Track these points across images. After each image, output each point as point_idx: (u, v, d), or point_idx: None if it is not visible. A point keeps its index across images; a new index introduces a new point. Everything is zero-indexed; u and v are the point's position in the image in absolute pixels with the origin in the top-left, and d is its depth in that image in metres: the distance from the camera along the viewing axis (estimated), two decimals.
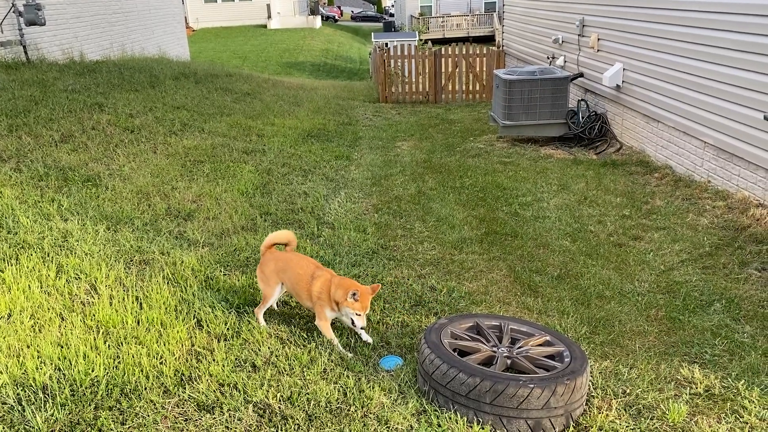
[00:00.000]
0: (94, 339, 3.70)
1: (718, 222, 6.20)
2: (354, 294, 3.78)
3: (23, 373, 3.32)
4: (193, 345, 3.78)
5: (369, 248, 5.63)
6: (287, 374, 3.55)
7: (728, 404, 3.44)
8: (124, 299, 4.18)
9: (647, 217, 6.54)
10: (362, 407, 3.28)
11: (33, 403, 3.11)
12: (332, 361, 3.70)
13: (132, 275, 4.56)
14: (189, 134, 8.70)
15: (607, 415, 3.30)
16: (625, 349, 4.13)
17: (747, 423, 3.28)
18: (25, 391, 3.19)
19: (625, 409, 3.37)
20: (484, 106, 14.08)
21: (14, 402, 3.12)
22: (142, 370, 3.44)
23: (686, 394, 3.54)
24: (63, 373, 3.35)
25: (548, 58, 12.54)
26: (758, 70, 6.29)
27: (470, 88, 15.13)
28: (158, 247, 5.14)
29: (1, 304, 3.93)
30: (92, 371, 3.38)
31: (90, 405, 3.15)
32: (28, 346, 3.56)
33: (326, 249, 5.51)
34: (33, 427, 2.97)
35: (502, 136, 10.35)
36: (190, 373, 3.50)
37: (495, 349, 3.57)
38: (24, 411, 3.06)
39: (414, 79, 15.26)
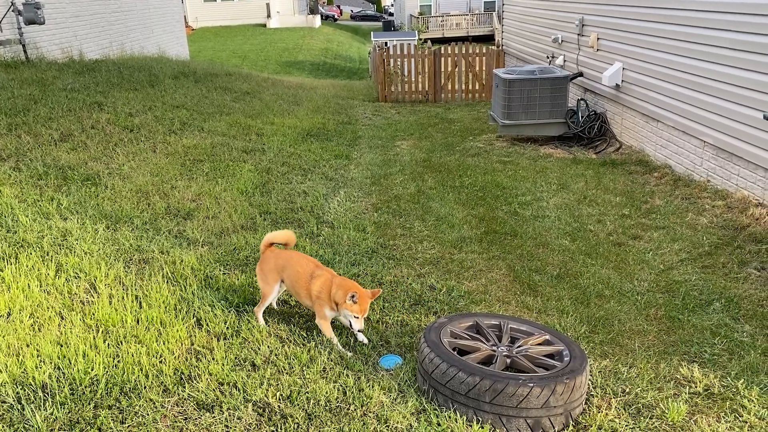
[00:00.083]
0: (94, 338, 3.70)
1: (718, 221, 6.20)
2: (353, 296, 3.76)
3: (23, 372, 3.32)
4: (192, 344, 3.78)
5: (368, 247, 5.63)
6: (287, 373, 3.55)
7: (727, 403, 3.45)
8: (123, 298, 4.18)
9: (647, 216, 6.55)
10: (362, 406, 3.28)
11: (32, 402, 3.11)
12: (332, 360, 3.70)
13: (131, 274, 4.56)
14: (188, 133, 8.70)
15: (606, 414, 3.30)
16: (625, 348, 4.13)
17: (746, 422, 3.29)
18: (25, 390, 3.19)
19: (624, 408, 3.38)
20: (483, 105, 14.08)
21: (14, 401, 3.12)
22: (141, 369, 3.44)
23: (686, 393, 3.54)
24: (62, 372, 3.35)
25: (548, 57, 12.54)
26: (758, 69, 6.29)
27: (470, 87, 15.14)
28: (158, 246, 5.14)
29: (0, 302, 3.93)
30: (92, 370, 3.38)
31: (89, 404, 3.15)
32: (28, 345, 3.56)
33: (326, 248, 5.51)
34: (32, 426, 2.97)
35: (502, 136, 10.35)
36: (190, 372, 3.50)
37: (494, 348, 3.57)
38: (23, 410, 3.06)
39: (413, 79, 15.27)
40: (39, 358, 3.45)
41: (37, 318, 3.87)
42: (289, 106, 12.35)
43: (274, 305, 4.38)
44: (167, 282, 4.50)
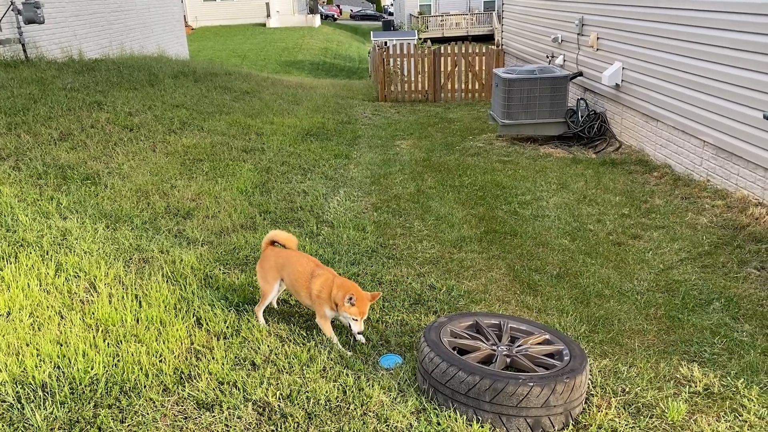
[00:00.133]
0: (94, 337, 3.70)
1: (717, 221, 6.21)
2: (350, 298, 3.74)
3: (22, 371, 3.32)
4: (192, 343, 3.78)
5: (368, 247, 5.63)
6: (287, 372, 3.55)
7: (727, 403, 3.45)
8: (123, 297, 4.18)
9: (646, 215, 6.55)
10: (362, 405, 3.29)
11: (32, 401, 3.11)
12: (332, 360, 3.70)
13: (131, 273, 4.55)
14: (188, 133, 8.69)
15: (606, 413, 3.30)
16: (625, 348, 4.13)
17: (746, 421, 3.29)
18: (25, 389, 3.19)
19: (624, 408, 3.38)
20: (483, 105, 14.08)
21: (14, 400, 3.12)
22: (141, 369, 3.44)
23: (685, 392, 3.54)
24: (62, 371, 3.35)
25: (547, 57, 12.54)
26: (758, 69, 6.29)
27: (469, 87, 15.13)
28: (157, 245, 5.14)
29: (0, 302, 3.92)
30: (91, 369, 3.38)
31: (89, 403, 3.15)
32: (28, 344, 3.56)
33: (325, 247, 5.51)
34: (32, 425, 2.97)
35: (502, 135, 10.35)
36: (190, 372, 3.50)
37: (494, 347, 3.57)
38: (23, 409, 3.06)
39: (413, 78, 15.26)
40: (39, 357, 3.45)
41: (37, 317, 3.86)
42: (288, 105, 12.35)
43: (275, 304, 4.38)
44: (167, 281, 4.50)
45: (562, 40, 11.79)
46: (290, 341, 3.91)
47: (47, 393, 3.19)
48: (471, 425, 3.14)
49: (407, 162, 8.94)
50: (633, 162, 8.53)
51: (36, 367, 3.35)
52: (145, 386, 3.32)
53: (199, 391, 3.32)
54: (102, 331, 3.79)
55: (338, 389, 3.41)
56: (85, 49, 13.45)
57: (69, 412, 3.08)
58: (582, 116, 10.07)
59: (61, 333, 3.72)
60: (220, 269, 4.85)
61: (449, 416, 3.19)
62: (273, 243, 4.32)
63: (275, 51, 38.24)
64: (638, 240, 5.95)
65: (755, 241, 5.66)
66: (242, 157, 8.00)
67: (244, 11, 49.46)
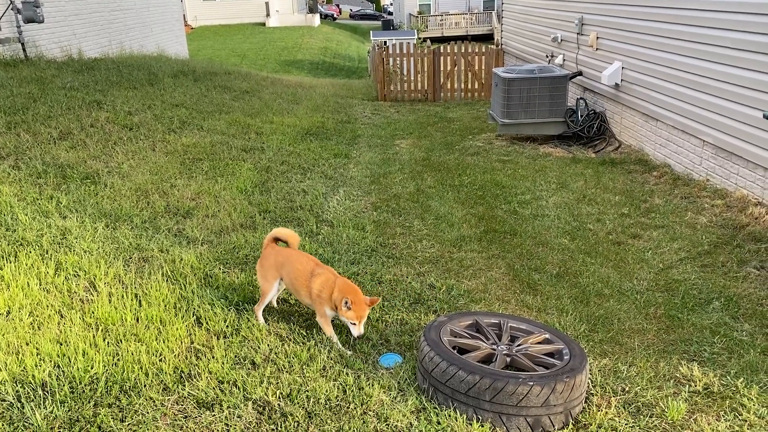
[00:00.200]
0: (93, 336, 3.70)
1: (717, 220, 6.21)
2: (347, 302, 3.73)
3: (22, 370, 3.32)
4: (192, 342, 3.78)
5: (368, 246, 5.63)
6: (287, 371, 3.55)
7: (727, 402, 3.45)
8: (123, 296, 4.18)
9: (646, 215, 6.55)
10: (362, 404, 3.29)
11: (32, 400, 3.11)
12: (332, 359, 3.70)
13: (131, 272, 4.55)
14: (188, 132, 8.69)
15: (606, 412, 3.30)
16: (624, 347, 4.13)
17: (746, 421, 3.29)
18: (25, 388, 3.19)
19: (624, 407, 3.38)
20: (482, 104, 14.08)
21: (13, 399, 3.12)
22: (141, 368, 3.44)
23: (685, 391, 3.54)
24: (62, 370, 3.35)
25: (547, 56, 12.54)
26: (757, 68, 6.29)
27: (469, 86, 15.13)
28: (157, 244, 5.14)
29: (0, 301, 3.93)
30: (91, 368, 3.38)
31: (89, 402, 3.15)
32: (27, 343, 3.56)
33: (325, 247, 5.51)
34: (32, 424, 2.97)
35: (501, 135, 10.35)
36: (190, 371, 3.50)
37: (494, 346, 3.57)
38: (23, 408, 3.06)
39: (413, 78, 15.25)
40: (39, 356, 3.45)
41: (37, 316, 3.86)
42: (288, 105, 12.35)
43: (274, 303, 4.38)
44: (167, 280, 4.50)
45: (561, 40, 11.79)
46: (290, 340, 3.91)
47: (47, 392, 3.19)
48: (471, 424, 3.14)
49: (407, 161, 8.94)
50: (632, 161, 8.53)
51: (36, 366, 3.35)
52: (145, 385, 3.32)
53: (199, 390, 3.32)
54: (102, 330, 3.79)
55: (338, 388, 3.41)
56: (84, 49, 13.44)
57: (69, 411, 3.08)
58: (581, 116, 10.08)
59: (60, 332, 3.72)
60: (219, 268, 4.85)
61: (449, 415, 3.19)
62: (276, 240, 4.32)
63: (275, 50, 38.23)
64: (638, 239, 5.95)
65: (755, 241, 5.67)
66: (242, 157, 8.00)
67: (243, 10, 49.45)
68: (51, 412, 3.04)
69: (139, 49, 16.19)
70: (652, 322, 4.45)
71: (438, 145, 10.07)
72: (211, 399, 3.27)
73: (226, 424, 3.10)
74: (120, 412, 3.13)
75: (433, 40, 38.34)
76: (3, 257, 4.46)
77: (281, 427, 3.10)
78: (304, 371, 3.55)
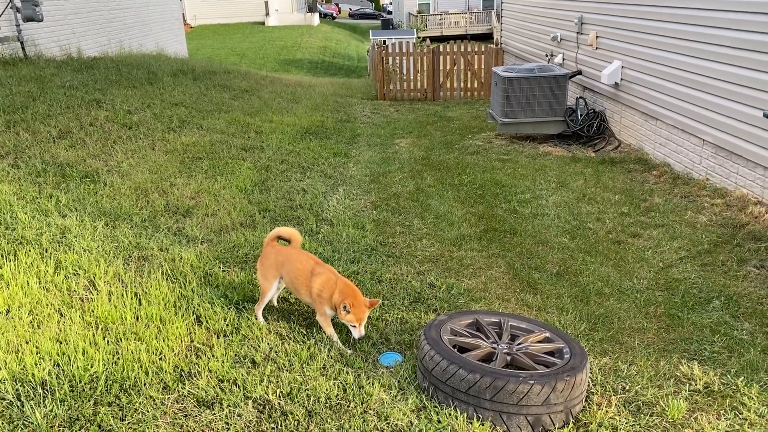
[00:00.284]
0: (93, 335, 3.69)
1: (717, 219, 6.21)
2: (345, 306, 3.73)
3: (22, 369, 3.31)
4: (192, 341, 3.78)
5: (368, 245, 5.62)
6: (287, 370, 3.54)
7: (727, 401, 3.45)
8: (123, 295, 4.17)
9: (646, 214, 6.55)
10: (362, 403, 3.28)
11: (32, 399, 3.11)
12: (332, 358, 3.70)
13: (131, 271, 4.55)
14: (187, 131, 8.68)
15: (606, 411, 3.30)
16: (625, 346, 4.13)
17: (746, 419, 3.29)
18: (24, 387, 3.19)
19: (624, 406, 3.38)
20: (482, 103, 14.07)
21: (13, 397, 3.11)
22: (141, 366, 3.44)
23: (686, 390, 3.54)
24: (62, 369, 3.34)
25: (547, 55, 12.54)
26: (757, 67, 6.29)
27: (468, 85, 15.13)
28: (157, 243, 5.13)
29: None
30: (91, 367, 3.37)
31: (89, 401, 3.15)
32: (27, 342, 3.55)
33: (325, 246, 5.50)
34: (32, 423, 2.96)
35: (501, 134, 10.35)
36: (190, 369, 3.49)
37: (495, 345, 3.57)
38: (23, 406, 3.05)
39: (412, 77, 15.24)
40: (38, 355, 3.44)
41: (36, 315, 3.86)
42: (287, 104, 12.34)
43: (275, 302, 4.38)
44: (167, 279, 4.50)
45: (561, 39, 11.79)
46: (290, 339, 3.91)
47: (47, 391, 3.19)
48: (471, 423, 3.13)
49: (406, 160, 8.94)
50: (632, 161, 8.53)
51: (35, 364, 3.35)
52: (145, 384, 3.32)
53: (199, 388, 3.32)
54: (102, 328, 3.78)
55: (338, 387, 3.40)
56: (83, 47, 13.42)
57: (69, 409, 3.07)
58: (581, 115, 10.08)
59: (60, 331, 3.71)
60: (219, 267, 4.85)
61: (450, 414, 3.18)
62: (278, 239, 4.31)
63: (274, 49, 38.21)
64: (638, 238, 5.95)
65: (754, 240, 5.67)
66: (241, 156, 7.99)
67: (242, 9, 49.43)
68: (51, 411, 3.04)
69: (138, 48, 16.18)
70: (653, 321, 4.45)
71: (437, 144, 10.07)
72: (211, 398, 3.26)
73: (227, 423, 3.10)
74: (120, 410, 3.12)
75: (433, 39, 38.30)
76: (3, 256, 4.46)
77: (281, 426, 3.10)
78: (305, 370, 3.55)
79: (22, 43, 11.46)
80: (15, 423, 2.97)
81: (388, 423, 3.14)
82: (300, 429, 3.09)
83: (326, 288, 3.88)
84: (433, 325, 3.63)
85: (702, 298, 4.75)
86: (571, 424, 3.20)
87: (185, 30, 24.85)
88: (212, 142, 8.34)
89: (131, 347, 3.59)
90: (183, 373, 3.45)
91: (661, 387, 3.57)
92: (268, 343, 3.81)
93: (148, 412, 3.12)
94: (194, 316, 4.04)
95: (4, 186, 5.70)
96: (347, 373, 3.53)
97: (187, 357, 3.61)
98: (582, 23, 10.65)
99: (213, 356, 3.62)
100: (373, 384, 3.43)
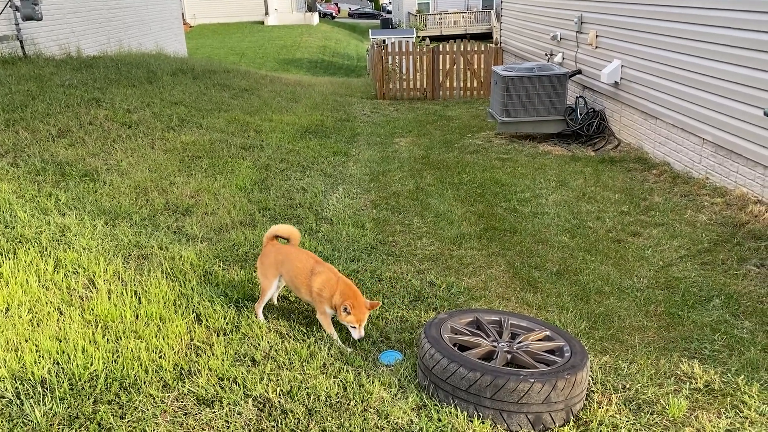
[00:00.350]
0: (93, 333, 3.68)
1: (717, 218, 6.21)
2: (346, 309, 3.73)
3: (21, 367, 3.30)
4: (192, 339, 3.77)
5: (367, 243, 5.62)
6: (287, 368, 3.54)
7: (728, 399, 3.45)
8: (122, 294, 4.16)
9: (646, 213, 6.54)
10: (362, 402, 3.28)
11: (31, 397, 3.10)
12: (332, 356, 3.69)
13: (130, 270, 4.54)
14: (187, 130, 8.67)
15: (607, 409, 3.30)
16: (625, 345, 4.13)
17: (747, 418, 3.29)
18: (24, 385, 3.18)
19: (625, 404, 3.37)
20: (481, 103, 14.07)
21: (13, 396, 3.11)
22: (141, 365, 3.43)
23: (686, 389, 3.54)
24: (61, 367, 3.34)
25: (546, 55, 12.53)
26: (758, 66, 6.29)
27: (468, 85, 15.12)
28: (157, 241, 5.12)
29: None
30: (91, 365, 3.37)
31: (89, 399, 3.14)
32: (27, 340, 3.54)
33: (325, 244, 5.50)
34: (31, 421, 2.96)
35: (500, 133, 10.34)
36: (190, 368, 3.49)
37: (495, 343, 3.56)
38: (22, 405, 3.05)
39: (411, 76, 15.23)
40: (38, 353, 3.44)
41: (36, 313, 3.85)
42: (287, 103, 12.33)
43: (275, 301, 4.37)
44: (166, 278, 4.49)
45: (561, 38, 11.78)
46: (290, 337, 3.90)
47: (46, 389, 3.18)
48: (472, 421, 3.13)
49: (406, 159, 8.93)
50: (632, 160, 8.53)
51: (35, 362, 3.34)
52: (144, 382, 3.31)
53: (199, 387, 3.31)
54: (101, 327, 3.78)
55: (338, 385, 3.40)
56: (83, 46, 13.41)
57: (68, 407, 3.07)
58: (581, 114, 10.07)
59: (60, 329, 3.71)
60: (219, 265, 4.84)
61: (450, 412, 3.18)
62: (276, 237, 4.30)
63: (273, 49, 38.19)
64: (638, 237, 5.95)
65: (755, 239, 5.66)
66: (241, 154, 7.98)
67: (242, 9, 49.43)
68: (50, 409, 3.03)
69: (137, 47, 16.17)
70: (653, 320, 4.45)
71: (437, 143, 10.06)
72: (211, 396, 3.26)
73: (227, 421, 3.09)
74: (120, 408, 3.11)
75: (432, 38, 38.28)
76: (2, 254, 4.45)
77: (281, 424, 3.09)
78: (305, 368, 3.54)
79: (21, 41, 11.45)
80: (14, 421, 2.96)
81: (389, 421, 3.14)
82: (300, 427, 3.08)
83: (326, 287, 3.87)
84: (433, 323, 3.62)
85: (702, 297, 4.75)
86: (571, 423, 3.19)
87: (185, 29, 24.83)
88: (212, 140, 8.34)
89: (131, 345, 3.59)
90: (183, 372, 3.45)
91: (661, 385, 3.56)
92: (268, 342, 3.80)
93: (147, 410, 3.11)
94: (194, 314, 4.04)
95: (4, 185, 5.69)
96: (347, 371, 3.52)
97: (186, 355, 3.61)
98: (582, 22, 10.65)
99: (213, 354, 3.62)
100: (373, 382, 3.42)
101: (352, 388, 3.38)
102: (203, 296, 4.25)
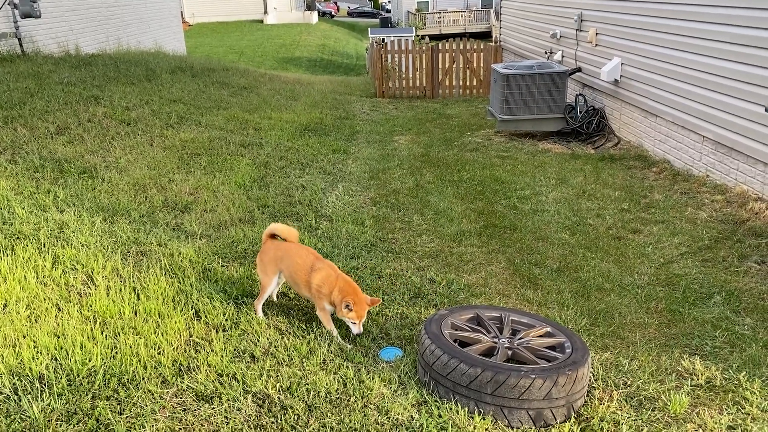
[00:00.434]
0: (91, 329, 3.66)
1: (717, 216, 6.19)
2: (347, 305, 3.73)
3: (19, 363, 3.29)
4: (191, 335, 3.75)
5: (367, 241, 5.60)
6: (286, 365, 3.52)
7: (730, 395, 3.43)
8: (121, 290, 4.14)
9: (646, 210, 6.53)
10: (362, 398, 3.26)
11: (29, 393, 3.08)
12: (331, 352, 3.68)
13: (129, 266, 4.52)
14: (186, 127, 8.65)
15: (608, 406, 3.28)
16: (626, 341, 4.11)
17: (749, 414, 3.27)
18: (22, 381, 3.16)
19: (626, 400, 3.36)
20: (481, 101, 14.05)
21: (10, 392, 3.09)
22: (139, 360, 3.41)
23: (687, 385, 3.52)
24: (60, 363, 3.32)
25: (546, 53, 12.51)
26: (758, 63, 6.27)
27: (467, 83, 15.10)
28: (155, 238, 5.10)
29: None
30: (89, 361, 3.35)
31: (87, 395, 3.12)
32: (25, 336, 3.52)
33: (324, 241, 5.48)
34: (29, 417, 2.94)
35: (500, 131, 10.32)
36: (189, 364, 3.47)
37: (496, 340, 3.54)
38: (20, 401, 3.03)
39: (411, 75, 15.21)
40: (36, 349, 3.42)
41: (34, 309, 3.83)
42: (286, 101, 12.31)
43: (274, 297, 4.35)
44: (165, 274, 4.47)
45: (560, 36, 11.77)
46: (290, 334, 3.88)
47: (44, 385, 3.16)
48: (472, 417, 3.11)
49: (405, 157, 8.91)
50: (632, 157, 8.51)
51: (33, 359, 3.32)
52: (143, 378, 3.29)
53: (198, 383, 3.29)
54: (100, 323, 3.76)
55: (338, 382, 3.38)
56: (81, 44, 13.38)
57: (66, 403, 3.05)
58: (581, 112, 10.05)
59: (58, 325, 3.69)
60: (218, 262, 4.82)
61: (450, 408, 3.16)
62: (274, 236, 4.28)
63: (272, 47, 38.16)
64: (638, 234, 5.93)
65: (755, 236, 5.65)
66: (240, 152, 7.96)
67: (241, 8, 49.39)
68: (48, 405, 3.01)
69: (136, 46, 16.14)
70: (654, 317, 4.43)
71: (437, 141, 10.04)
72: (210, 392, 3.24)
73: (226, 417, 3.07)
74: (118, 404, 3.10)
75: (432, 37, 38.27)
76: (0, 250, 4.43)
77: (281, 420, 3.07)
78: (304, 364, 3.52)
79: (19, 39, 11.42)
80: (12, 417, 2.94)
81: (389, 417, 3.12)
82: (300, 423, 3.07)
83: (326, 284, 3.86)
84: (433, 319, 3.61)
85: (703, 294, 4.73)
86: (572, 419, 3.18)
87: (184, 28, 24.78)
88: (211, 138, 8.31)
89: (130, 342, 3.57)
90: (182, 368, 3.43)
91: (662, 382, 3.55)
92: (267, 338, 3.78)
93: (146, 406, 3.10)
94: (193, 310, 4.02)
95: (2, 181, 5.67)
96: (347, 367, 3.51)
97: (185, 351, 3.59)
98: (581, 20, 10.63)
99: (212, 351, 3.60)
100: (373, 378, 3.41)
101: (352, 384, 3.36)
102: (202, 293, 4.23)
